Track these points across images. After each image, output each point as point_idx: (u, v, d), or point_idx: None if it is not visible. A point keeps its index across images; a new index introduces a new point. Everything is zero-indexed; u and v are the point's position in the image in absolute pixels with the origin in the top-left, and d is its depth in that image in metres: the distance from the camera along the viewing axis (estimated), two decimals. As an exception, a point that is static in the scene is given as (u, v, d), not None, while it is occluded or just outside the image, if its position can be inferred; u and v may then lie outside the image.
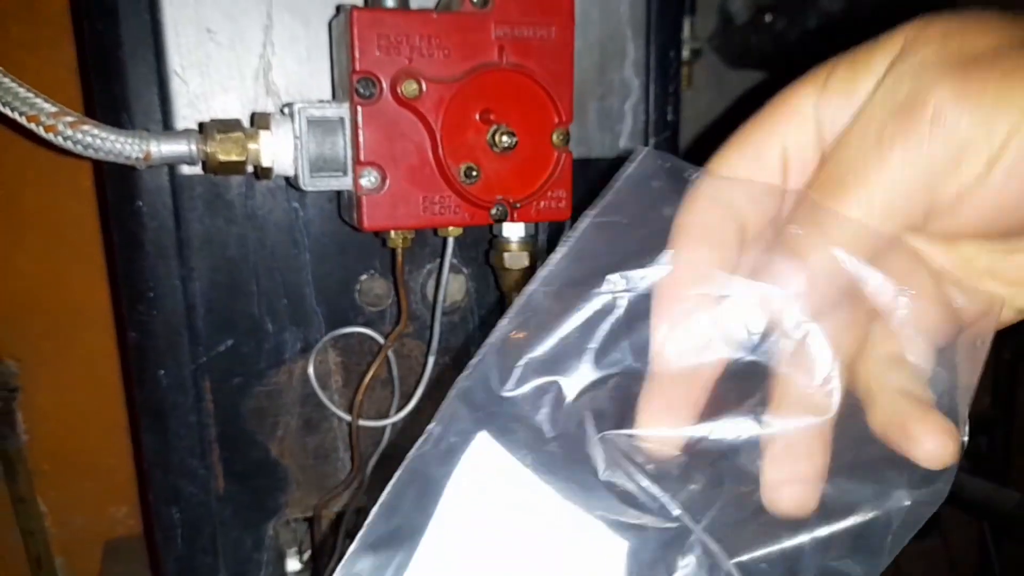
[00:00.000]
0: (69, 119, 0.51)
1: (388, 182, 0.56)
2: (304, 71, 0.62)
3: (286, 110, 0.57)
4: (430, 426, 0.28)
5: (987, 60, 0.23)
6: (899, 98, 0.24)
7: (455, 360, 0.71)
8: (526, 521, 0.28)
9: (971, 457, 1.27)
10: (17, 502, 0.94)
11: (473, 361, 0.28)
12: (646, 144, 0.74)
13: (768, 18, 1.03)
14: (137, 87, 0.58)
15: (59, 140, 0.51)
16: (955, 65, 0.23)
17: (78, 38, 0.88)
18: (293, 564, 0.73)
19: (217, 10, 0.59)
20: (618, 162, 0.77)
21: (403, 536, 0.27)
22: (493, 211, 0.58)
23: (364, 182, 0.55)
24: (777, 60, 1.10)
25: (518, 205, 0.59)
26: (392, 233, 0.59)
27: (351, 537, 0.71)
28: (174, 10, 0.58)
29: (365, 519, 0.27)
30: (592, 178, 0.73)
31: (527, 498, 0.28)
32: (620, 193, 0.28)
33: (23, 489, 0.94)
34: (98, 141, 0.52)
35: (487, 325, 0.73)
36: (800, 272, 0.25)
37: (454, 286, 0.70)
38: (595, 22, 0.70)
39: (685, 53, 0.99)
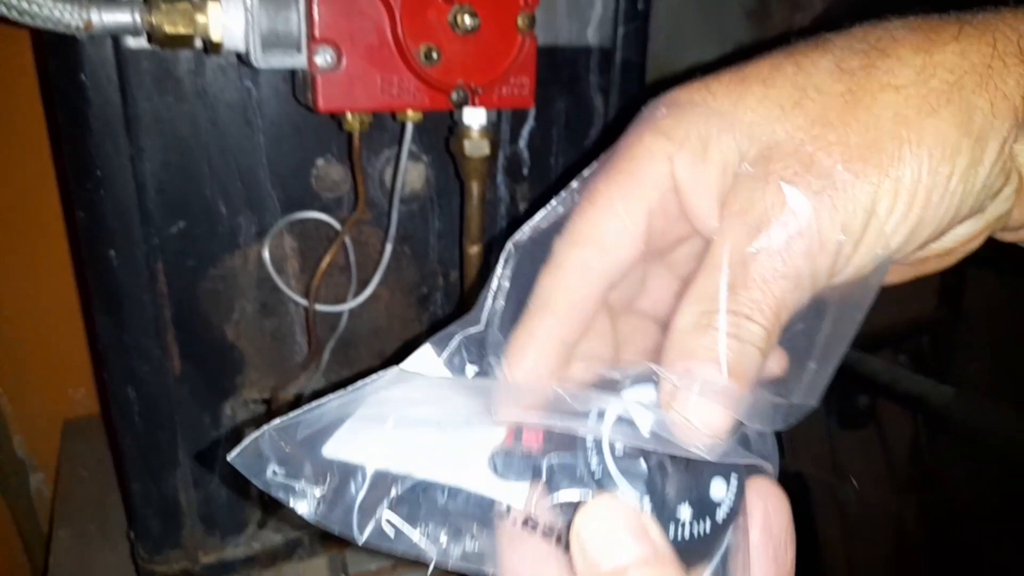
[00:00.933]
0: (1, -20, 0.48)
1: (345, 61, 0.54)
2: (255, -62, 0.58)
3: (235, -21, 0.54)
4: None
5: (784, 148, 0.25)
6: (758, 207, 0.25)
7: (414, 249, 0.71)
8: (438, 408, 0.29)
9: (913, 356, 1.32)
10: (-28, 382, 0.93)
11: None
12: (615, 33, 0.72)
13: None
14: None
15: (-9, 3, 0.48)
16: (810, 186, 0.24)
17: None
18: (252, 444, 0.74)
19: None
20: (584, 52, 0.75)
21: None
22: (453, 96, 0.57)
23: (319, 60, 0.53)
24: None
25: (479, 91, 0.57)
26: (349, 115, 0.57)
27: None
28: None
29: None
30: (558, 66, 0.72)
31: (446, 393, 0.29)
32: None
33: (-22, 369, 0.93)
34: (35, 7, 0.49)
35: (447, 215, 0.72)
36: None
37: (413, 174, 0.68)
38: (566, -103, 0.66)
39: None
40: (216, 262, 0.65)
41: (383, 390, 0.28)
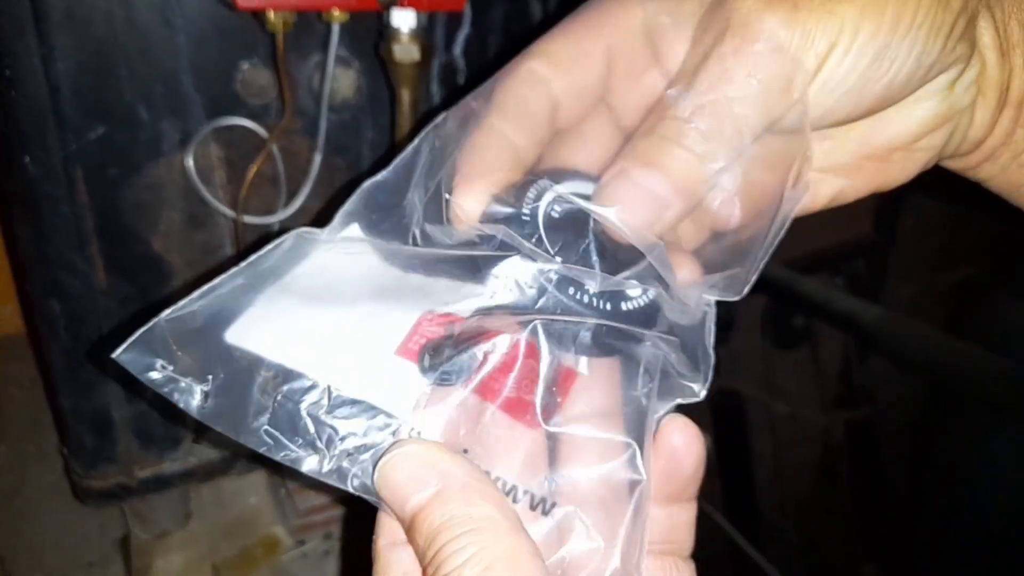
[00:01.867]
0: None
1: (263, -46, 0.51)
2: None
3: None
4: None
5: None
6: (735, 23, 0.25)
7: (346, 160, 0.70)
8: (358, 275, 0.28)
9: (848, 278, 1.36)
10: None
11: None
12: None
13: None
14: None
15: None
16: None
17: None
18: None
19: None
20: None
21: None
22: (380, -5, 0.55)
23: (236, -47, 0.51)
24: None
25: (407, -10, 0.55)
26: (271, 15, 0.55)
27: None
28: None
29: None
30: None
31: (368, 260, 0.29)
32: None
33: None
34: None
35: (380, 125, 0.71)
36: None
37: (344, 81, 0.67)
38: None
39: None
40: (140, 171, 0.63)
41: (292, 263, 0.28)
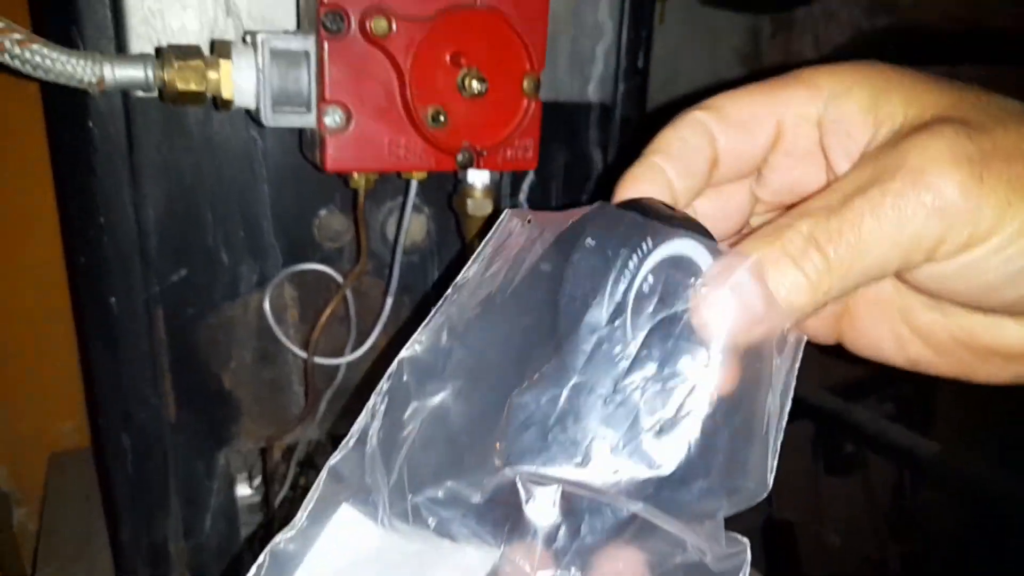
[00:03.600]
0: (17, 36, 0.48)
1: (353, 122, 0.54)
2: (267, -7, 0.59)
3: (248, 39, 0.55)
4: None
5: (1000, 159, 0.23)
6: (912, 164, 0.24)
7: (415, 303, 0.72)
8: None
9: (897, 404, 1.34)
10: (-42, 413, 0.92)
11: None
12: (615, 90, 0.74)
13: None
14: None
15: (5, 59, 0.48)
16: (971, 157, 0.23)
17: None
18: (243, 490, 0.74)
19: (176, -78, 0.56)
20: (585, 108, 0.76)
21: None
22: (459, 157, 0.57)
23: (328, 121, 0.54)
24: (749, 2, 1.08)
25: (484, 152, 0.58)
26: (355, 174, 0.58)
27: (302, 467, 0.72)
28: (129, -81, 0.55)
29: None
30: (558, 122, 0.73)
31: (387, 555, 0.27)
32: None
33: (-36, 400, 0.92)
34: (48, 62, 0.49)
35: (449, 268, 0.73)
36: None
37: (415, 226, 0.69)
38: (572, -39, 0.68)
39: (660, -9, 0.97)
40: (216, 310, 0.65)
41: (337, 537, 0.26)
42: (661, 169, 0.27)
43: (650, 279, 0.24)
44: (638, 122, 0.77)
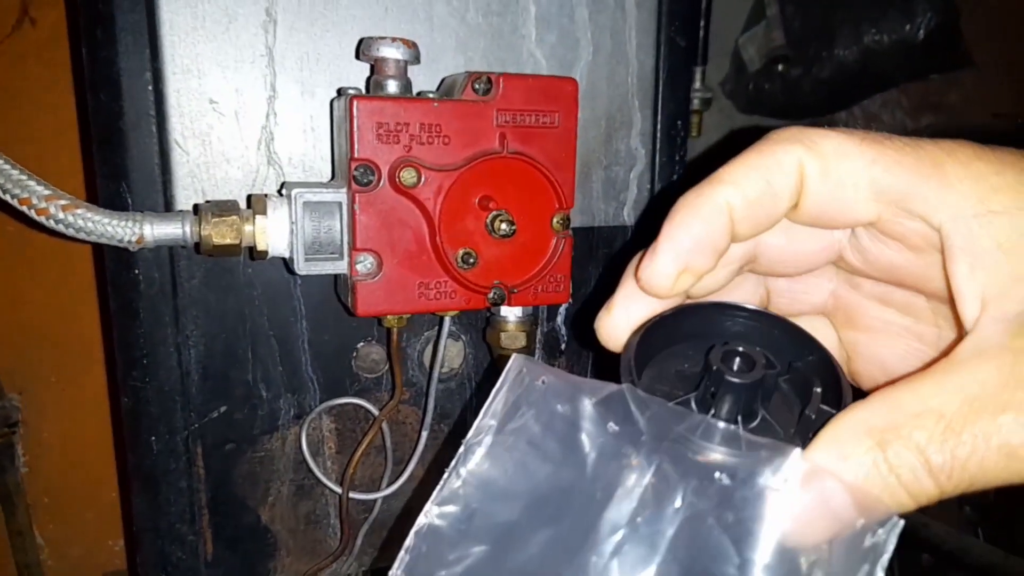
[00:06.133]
0: (62, 202, 0.51)
1: (384, 268, 0.55)
2: (307, 142, 0.61)
3: (283, 191, 0.57)
4: None
5: None
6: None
7: (451, 429, 0.71)
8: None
9: (978, 509, 1.26)
10: (15, 535, 0.94)
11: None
12: (650, 213, 0.74)
13: (781, 67, 1.01)
14: (138, 157, 0.58)
15: (51, 223, 0.51)
16: None
17: (80, 108, 0.88)
18: (282, 624, 0.72)
19: (222, 81, 0.59)
20: (621, 230, 0.75)
21: None
22: (490, 295, 0.57)
23: (360, 268, 0.54)
24: (789, 108, 1.08)
25: (515, 290, 0.58)
26: (388, 316, 0.58)
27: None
28: (178, 81, 0.58)
29: None
30: (594, 245, 0.73)
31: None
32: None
33: (21, 522, 0.94)
34: (90, 224, 0.51)
35: (484, 391, 0.72)
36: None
37: (452, 352, 0.69)
38: (603, 93, 0.69)
39: (696, 103, 0.97)
40: (254, 445, 0.66)
41: None
42: (681, 244, 0.29)
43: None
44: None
